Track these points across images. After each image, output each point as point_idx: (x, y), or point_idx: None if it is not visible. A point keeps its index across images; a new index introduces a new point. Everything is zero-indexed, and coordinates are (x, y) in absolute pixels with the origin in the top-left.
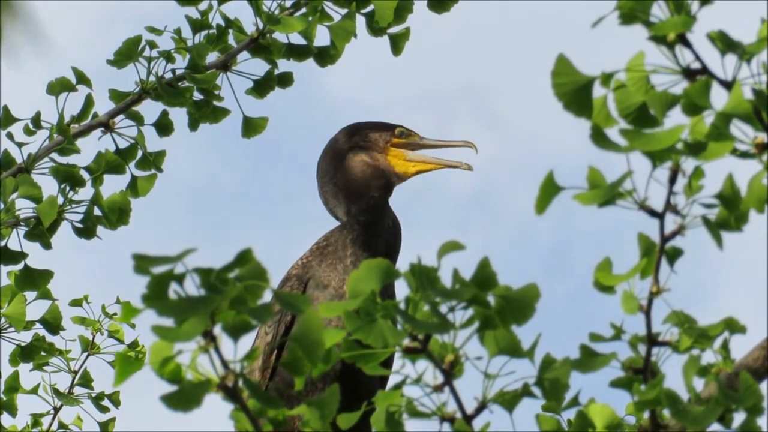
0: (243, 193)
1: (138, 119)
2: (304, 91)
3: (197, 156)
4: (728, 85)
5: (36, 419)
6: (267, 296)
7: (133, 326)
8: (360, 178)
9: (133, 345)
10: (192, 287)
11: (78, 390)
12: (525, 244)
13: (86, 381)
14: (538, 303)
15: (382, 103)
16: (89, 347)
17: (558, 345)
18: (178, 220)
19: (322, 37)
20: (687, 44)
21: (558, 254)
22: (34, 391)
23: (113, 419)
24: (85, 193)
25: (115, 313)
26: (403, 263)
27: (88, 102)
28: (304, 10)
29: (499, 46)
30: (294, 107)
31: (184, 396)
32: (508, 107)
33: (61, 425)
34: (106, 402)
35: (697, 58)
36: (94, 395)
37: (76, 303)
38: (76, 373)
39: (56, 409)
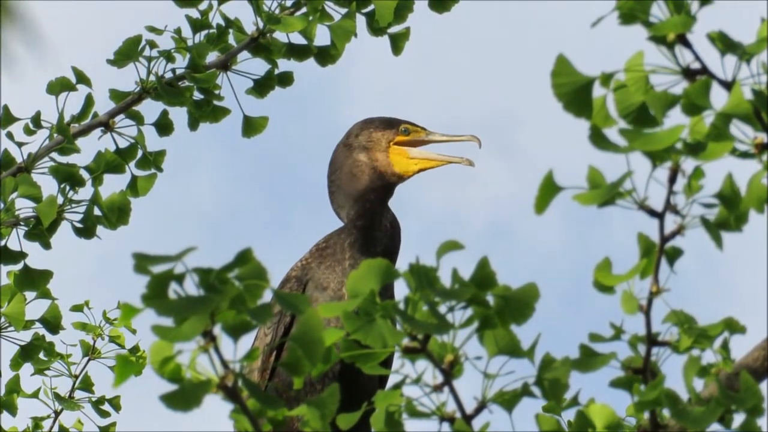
0: (266, 223)
1: (138, 119)
2: (324, 119)
3: (220, 186)
4: (728, 86)
5: (37, 422)
6: (267, 296)
7: (134, 331)
8: (358, 181)
9: (134, 350)
10: (192, 287)
11: (79, 394)
12: (545, 276)
13: (87, 385)
14: (537, 303)
15: None
16: (90, 352)
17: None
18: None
19: (322, 36)
20: (687, 44)
21: (578, 286)
22: (35, 395)
23: (114, 424)
24: (85, 192)
25: (116, 319)
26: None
27: (88, 101)
28: (304, 9)
29: (520, 75)
30: (313, 136)
31: (184, 396)
32: (529, 137)
33: (62, 429)
34: (106, 406)
35: (697, 58)
36: (94, 399)
37: (77, 308)
38: (76, 377)
39: (57, 413)
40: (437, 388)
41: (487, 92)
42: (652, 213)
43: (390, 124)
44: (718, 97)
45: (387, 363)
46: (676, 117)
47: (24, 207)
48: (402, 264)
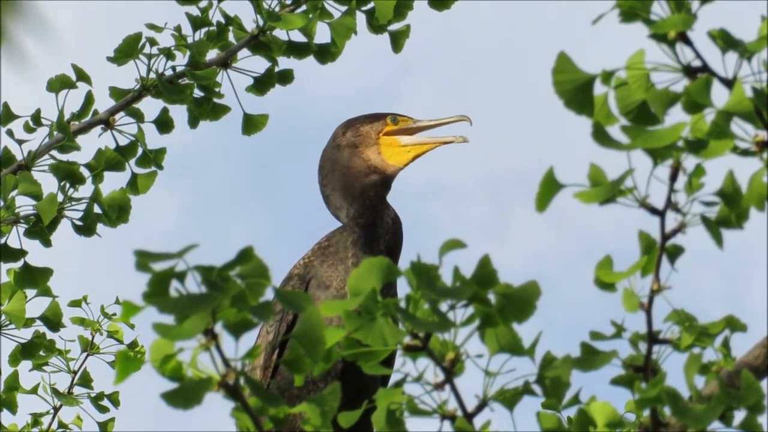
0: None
1: (138, 116)
2: None
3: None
4: (729, 83)
5: (36, 418)
6: (269, 294)
7: (132, 326)
8: (354, 179)
9: (133, 345)
10: (193, 285)
11: (77, 390)
12: (581, 330)
13: (86, 381)
14: (538, 300)
15: (433, 189)
16: (88, 347)
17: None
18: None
19: (322, 34)
20: (688, 42)
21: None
22: (33, 391)
23: (112, 419)
24: (85, 190)
25: (114, 314)
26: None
27: (88, 99)
28: (304, 7)
29: (554, 130)
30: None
31: (185, 394)
32: (564, 191)
33: (61, 425)
34: (105, 402)
35: (698, 56)
36: (93, 395)
37: (75, 303)
38: (75, 373)
39: (56, 409)
40: (438, 387)
41: (520, 146)
42: (653, 211)
43: (376, 116)
44: (719, 95)
45: (389, 362)
46: (676, 115)
47: (24, 204)
48: (404, 263)
